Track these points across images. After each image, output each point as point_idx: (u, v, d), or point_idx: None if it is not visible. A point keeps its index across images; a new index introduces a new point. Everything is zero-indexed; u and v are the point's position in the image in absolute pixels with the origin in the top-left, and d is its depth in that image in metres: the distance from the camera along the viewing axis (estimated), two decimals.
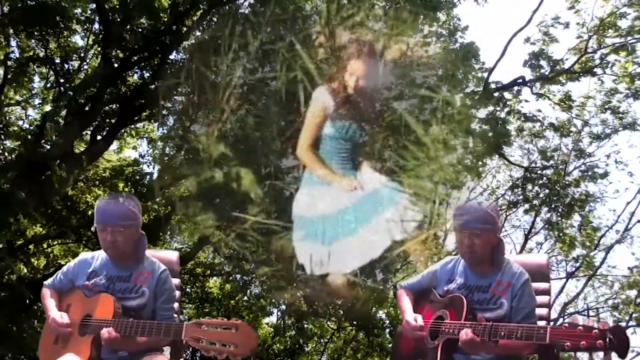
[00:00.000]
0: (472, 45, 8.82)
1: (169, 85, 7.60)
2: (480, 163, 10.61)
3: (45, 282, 2.58)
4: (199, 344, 2.05)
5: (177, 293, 2.64)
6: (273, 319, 13.43)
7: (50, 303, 2.45)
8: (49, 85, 9.66)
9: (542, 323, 2.38)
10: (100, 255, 2.50)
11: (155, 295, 2.41)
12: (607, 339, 1.76)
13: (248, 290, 11.88)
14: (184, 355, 2.60)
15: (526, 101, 9.83)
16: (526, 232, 13.71)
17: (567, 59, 9.49)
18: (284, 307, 12.36)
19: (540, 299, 2.43)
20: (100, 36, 8.70)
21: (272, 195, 6.25)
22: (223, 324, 2.04)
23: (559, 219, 10.60)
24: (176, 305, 2.58)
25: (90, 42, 9.28)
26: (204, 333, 2.05)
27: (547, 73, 9.33)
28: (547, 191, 9.83)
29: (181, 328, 2.11)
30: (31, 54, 8.77)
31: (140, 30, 8.48)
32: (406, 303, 2.46)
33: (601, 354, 1.80)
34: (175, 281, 2.63)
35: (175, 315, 2.51)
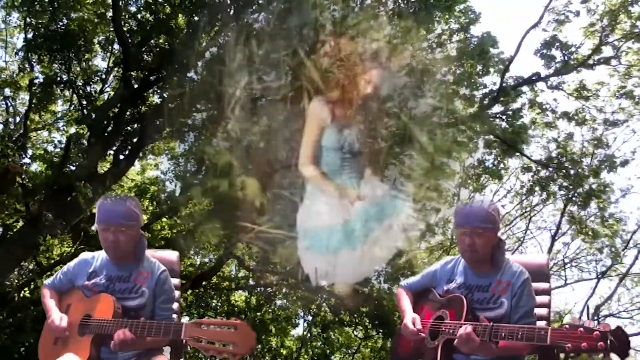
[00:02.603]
0: (489, 37, 8.79)
1: (185, 103, 7.74)
2: (502, 165, 10.54)
3: (45, 282, 2.59)
4: (198, 344, 2.05)
5: (177, 293, 2.64)
6: (299, 330, 13.42)
7: (50, 303, 2.46)
8: (72, 108, 9.92)
9: (542, 323, 2.38)
10: (100, 256, 2.50)
11: (155, 295, 2.40)
12: (608, 341, 1.77)
13: (273, 302, 11.91)
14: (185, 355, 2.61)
15: (542, 91, 9.74)
16: (553, 234, 13.51)
17: (580, 46, 9.37)
18: (310, 317, 12.34)
19: (540, 299, 2.42)
20: (120, 58, 8.92)
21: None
22: (222, 324, 2.05)
23: (580, 210, 10.40)
24: (175, 305, 2.58)
25: (111, 64, 9.52)
26: (203, 333, 2.05)
27: (559, 62, 9.21)
28: (566, 184, 9.67)
29: (181, 328, 2.12)
30: (54, 77, 9.02)
31: (158, 50, 8.67)
32: (406, 303, 2.46)
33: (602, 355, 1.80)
34: (175, 281, 2.62)
35: (174, 316, 2.51)
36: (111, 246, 2.38)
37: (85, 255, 2.56)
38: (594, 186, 9.52)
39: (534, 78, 9.26)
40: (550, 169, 9.82)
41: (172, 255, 2.79)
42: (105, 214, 2.39)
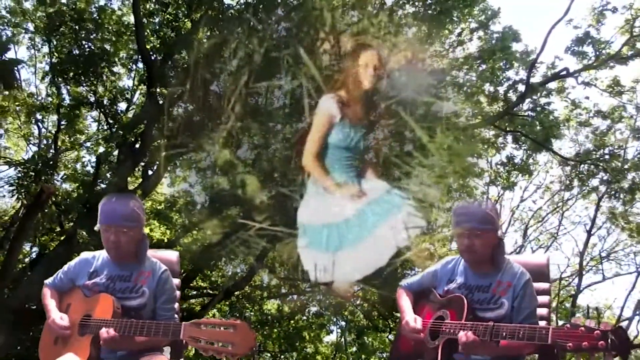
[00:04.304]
0: (511, 31, 8.69)
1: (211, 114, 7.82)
2: (531, 160, 10.35)
3: (46, 282, 2.58)
4: (197, 344, 2.04)
5: (178, 293, 2.63)
6: (333, 337, 13.39)
7: (50, 303, 2.46)
8: (100, 127, 10.14)
9: (542, 323, 2.37)
10: (101, 255, 2.50)
11: (156, 295, 2.40)
12: (609, 340, 1.77)
13: (306, 310, 11.90)
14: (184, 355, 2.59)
15: (573, 87, 9.56)
16: (588, 228, 13.18)
17: (613, 42, 9.13)
18: (343, 323, 12.30)
19: (540, 299, 2.41)
20: (145, 76, 9.08)
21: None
22: (221, 324, 2.04)
23: (622, 206, 10.16)
24: (176, 305, 2.57)
25: (136, 82, 9.71)
26: (202, 333, 2.05)
27: (591, 58, 9.00)
28: (604, 178, 9.44)
29: (180, 328, 2.11)
30: (81, 98, 9.24)
31: (181, 65, 8.80)
32: (406, 303, 2.46)
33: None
34: (176, 281, 2.62)
35: (175, 316, 2.50)
36: (112, 247, 2.38)
37: (85, 254, 2.56)
38: (636, 180, 9.30)
39: (562, 74, 9.06)
40: (586, 164, 9.60)
41: (172, 255, 2.78)
42: (107, 215, 2.38)
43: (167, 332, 2.17)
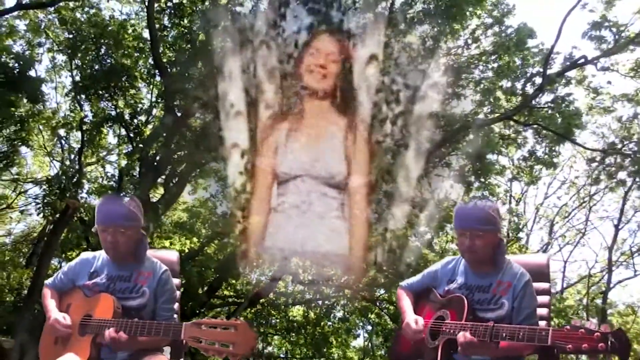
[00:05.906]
0: (526, 28, 8.61)
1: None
2: (554, 153, 10.17)
3: (46, 282, 2.56)
4: (198, 344, 2.04)
5: (178, 293, 2.62)
6: (360, 341, 13.32)
7: (50, 303, 2.45)
8: (121, 141, 10.30)
9: (542, 323, 2.36)
10: (101, 255, 2.48)
11: (156, 295, 2.39)
12: (609, 342, 1.77)
13: (332, 315, 11.87)
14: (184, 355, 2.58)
15: (593, 75, 9.40)
16: (616, 222, 12.88)
17: (632, 24, 8.91)
18: (369, 327, 12.23)
19: (540, 299, 2.39)
20: (162, 90, 9.22)
21: None
22: (222, 324, 2.03)
23: None
24: (176, 305, 2.56)
25: (154, 97, 9.85)
26: (203, 333, 2.04)
27: (610, 42, 8.81)
28: (631, 169, 9.22)
29: (180, 328, 2.10)
30: (102, 114, 9.41)
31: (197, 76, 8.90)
32: (407, 303, 2.45)
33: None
34: (176, 281, 2.60)
35: (175, 316, 2.49)
36: (110, 247, 2.36)
37: (86, 255, 2.55)
38: None
39: (581, 61, 8.89)
40: (612, 155, 9.39)
41: (172, 255, 2.78)
42: (104, 215, 2.37)
43: (167, 332, 2.16)
